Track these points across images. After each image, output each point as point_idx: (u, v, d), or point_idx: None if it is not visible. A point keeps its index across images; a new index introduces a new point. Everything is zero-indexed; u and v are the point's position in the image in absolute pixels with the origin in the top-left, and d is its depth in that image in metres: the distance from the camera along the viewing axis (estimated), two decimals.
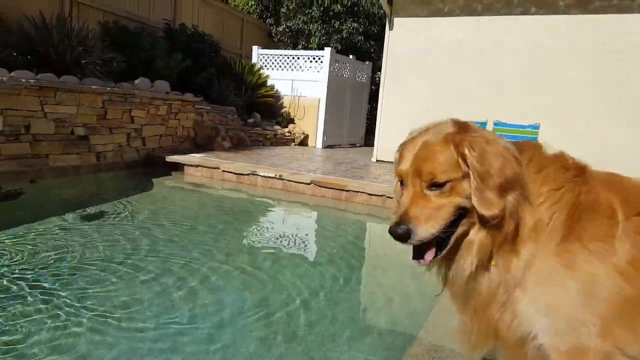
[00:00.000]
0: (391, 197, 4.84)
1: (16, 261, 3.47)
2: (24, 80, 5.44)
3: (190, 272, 3.51)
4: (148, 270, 3.47)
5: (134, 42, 8.20)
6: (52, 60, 6.42)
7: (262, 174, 6.72)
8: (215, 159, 7.50)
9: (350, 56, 12.39)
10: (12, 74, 5.45)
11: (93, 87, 6.36)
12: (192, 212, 5.50)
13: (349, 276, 3.83)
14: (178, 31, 9.63)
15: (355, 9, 13.37)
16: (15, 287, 3.04)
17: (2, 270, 3.27)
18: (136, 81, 7.77)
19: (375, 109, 9.99)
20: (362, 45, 13.50)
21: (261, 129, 10.62)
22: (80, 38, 6.73)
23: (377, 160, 9.28)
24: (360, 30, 13.36)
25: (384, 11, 9.03)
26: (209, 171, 7.13)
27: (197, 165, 7.22)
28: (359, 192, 6.13)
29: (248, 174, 6.84)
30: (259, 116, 11.14)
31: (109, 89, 6.60)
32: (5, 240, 3.88)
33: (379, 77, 10.34)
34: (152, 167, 7.54)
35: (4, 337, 2.44)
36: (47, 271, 3.33)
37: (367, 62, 13.22)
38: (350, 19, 13.27)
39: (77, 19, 7.54)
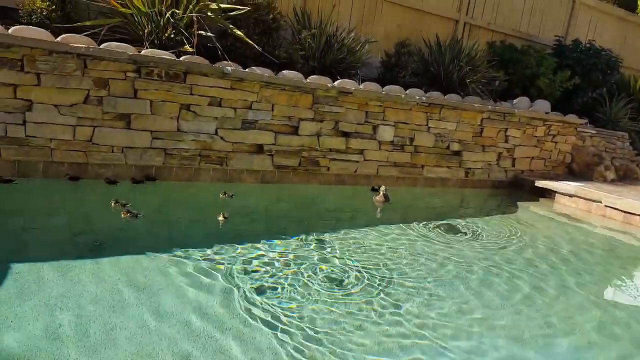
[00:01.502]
0: None
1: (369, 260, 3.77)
2: (417, 97, 6.03)
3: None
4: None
5: (518, 59, 7.93)
6: (440, 80, 6.91)
7: None
8: (596, 190, 6.33)
9: None
10: (407, 91, 6.13)
11: (475, 105, 6.47)
12: (562, 248, 4.74)
13: None
14: (569, 47, 8.73)
15: None
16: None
17: (352, 263, 3.62)
18: (515, 100, 7.47)
19: None
20: None
21: None
22: (468, 58, 6.98)
23: None
24: None
25: None
26: (586, 204, 6.08)
27: (571, 195, 6.29)
28: None
29: None
30: None
31: (489, 107, 6.59)
32: (370, 239, 4.34)
33: None
34: (517, 189, 7.09)
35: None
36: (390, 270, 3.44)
37: None
38: None
39: (467, 40, 7.91)
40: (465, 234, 4.80)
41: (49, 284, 2.86)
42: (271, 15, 5.46)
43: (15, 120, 4.14)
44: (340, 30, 6.23)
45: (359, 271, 3.61)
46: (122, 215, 3.81)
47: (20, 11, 4.55)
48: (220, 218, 4.09)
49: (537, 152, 7.34)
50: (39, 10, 4.58)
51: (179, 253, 3.44)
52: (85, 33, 4.48)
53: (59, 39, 4.17)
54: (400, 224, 4.85)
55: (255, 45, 5.14)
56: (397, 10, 7.73)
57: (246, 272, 3.35)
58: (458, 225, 5.06)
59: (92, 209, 4.04)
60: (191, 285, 3.05)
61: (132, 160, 4.70)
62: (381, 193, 5.50)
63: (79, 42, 4.22)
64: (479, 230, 4.94)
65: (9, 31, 3.99)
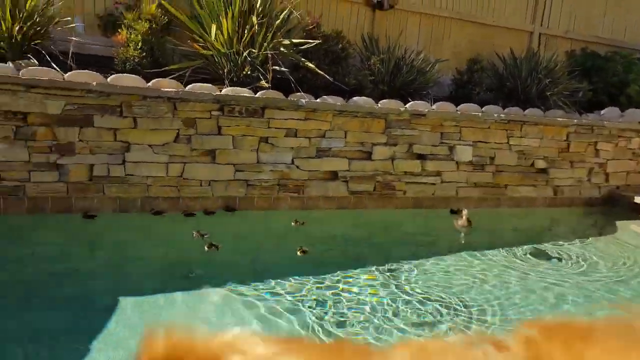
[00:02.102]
0: None
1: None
2: (495, 115, 5.83)
3: None
4: None
5: (602, 67, 7.42)
6: (517, 94, 6.64)
7: None
8: None
9: None
10: (483, 108, 5.95)
11: (559, 119, 6.14)
12: None
13: None
14: None
15: None
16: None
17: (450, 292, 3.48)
18: (602, 111, 6.97)
19: None
20: None
21: None
22: (547, 70, 6.66)
23: None
24: None
25: None
26: None
27: None
28: None
29: None
30: None
31: (575, 121, 6.21)
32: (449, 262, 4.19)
33: None
34: (612, 206, 6.54)
35: None
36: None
37: None
38: None
39: (543, 51, 7.56)
40: (561, 259, 4.49)
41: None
42: (340, 45, 5.61)
43: (116, 161, 4.57)
44: (409, 52, 6.23)
45: (447, 307, 3.49)
46: (206, 248, 4.02)
47: (115, 59, 5.05)
48: (299, 253, 4.15)
49: (633, 166, 6.74)
50: (131, 58, 5.05)
51: (253, 288, 3.54)
52: (172, 76, 4.88)
53: (150, 84, 4.58)
54: (486, 250, 4.66)
55: (325, 75, 5.29)
56: (467, 27, 7.60)
57: (322, 306, 3.38)
58: (549, 250, 4.75)
59: (178, 241, 4.30)
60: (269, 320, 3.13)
61: (217, 192, 4.98)
62: (464, 217, 5.32)
63: (168, 86, 4.60)
64: (578, 257, 4.60)
65: (108, 80, 4.45)
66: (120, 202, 4.70)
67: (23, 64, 4.46)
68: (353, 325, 3.17)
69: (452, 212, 5.83)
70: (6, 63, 4.38)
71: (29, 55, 4.62)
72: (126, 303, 3.18)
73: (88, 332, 2.88)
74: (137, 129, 4.55)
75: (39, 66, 4.44)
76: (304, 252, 4.16)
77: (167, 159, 4.71)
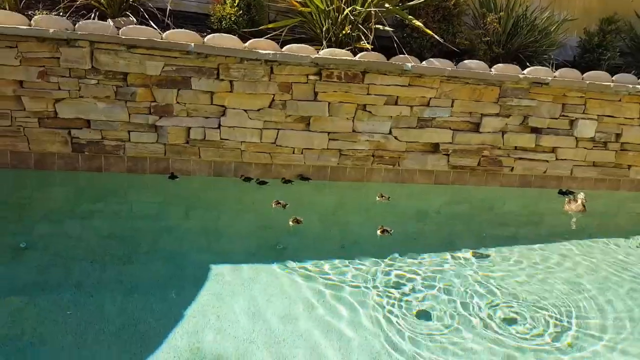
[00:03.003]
0: None
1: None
2: (630, 85, 4.97)
3: None
4: None
5: None
6: None
7: None
8: None
9: None
10: (614, 77, 5.10)
11: None
12: None
13: None
14: None
15: None
16: None
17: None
18: None
19: None
20: None
21: None
22: None
23: None
24: None
25: None
26: None
27: None
28: None
29: None
30: None
31: None
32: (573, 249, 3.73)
33: None
34: None
35: None
36: None
37: None
38: None
39: None
40: None
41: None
42: (452, 0, 4.95)
43: (212, 125, 4.45)
44: (530, 10, 5.40)
45: (542, 309, 3.10)
46: (290, 223, 3.86)
47: (211, 17, 4.82)
48: (379, 233, 3.87)
49: None
50: (227, 16, 4.79)
51: (331, 267, 3.36)
52: (267, 36, 4.58)
53: (247, 44, 4.31)
54: (603, 239, 4.14)
55: (434, 34, 4.71)
56: None
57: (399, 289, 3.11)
58: None
59: (267, 208, 4.18)
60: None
61: (310, 160, 4.75)
62: (579, 201, 4.72)
63: (266, 47, 4.31)
64: None
65: (205, 40, 4.24)
66: (214, 165, 4.64)
67: (122, 22, 4.37)
68: (428, 317, 2.89)
69: (562, 193, 5.21)
70: (106, 20, 4.31)
71: (127, 12, 4.51)
72: (216, 270, 3.14)
73: (178, 288, 2.94)
74: (234, 92, 4.36)
75: (136, 24, 4.32)
76: (385, 231, 3.86)
77: (261, 124, 4.52)
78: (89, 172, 4.44)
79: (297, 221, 3.87)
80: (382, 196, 4.51)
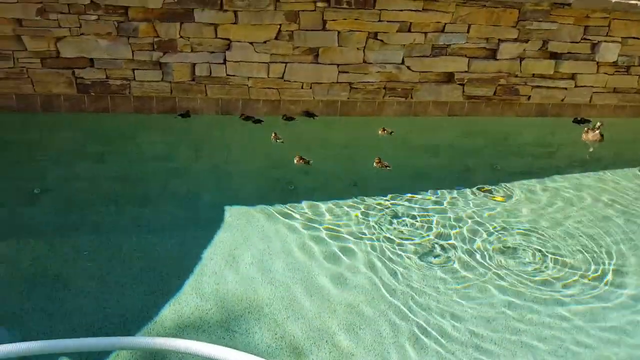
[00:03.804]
0: None
1: None
2: None
3: None
4: None
5: None
6: None
7: None
8: None
9: None
10: None
11: None
12: None
13: None
14: None
15: None
16: None
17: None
18: None
19: None
20: None
21: None
22: None
23: None
24: None
25: None
26: None
27: None
28: None
29: None
30: None
31: None
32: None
33: None
34: None
35: None
36: None
37: None
38: None
39: None
40: None
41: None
42: None
43: (217, 60, 4.30)
44: None
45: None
46: (295, 161, 3.82)
47: None
48: (376, 164, 3.84)
49: None
50: None
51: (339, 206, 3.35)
52: None
53: None
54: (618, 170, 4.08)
55: None
56: None
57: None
58: None
59: (273, 146, 4.13)
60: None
61: (318, 95, 4.62)
62: (597, 131, 4.58)
63: None
64: None
65: None
66: (222, 103, 4.54)
67: None
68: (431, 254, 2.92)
69: (576, 122, 5.05)
70: None
71: None
72: (228, 212, 3.15)
73: (194, 229, 2.98)
74: (238, 24, 4.16)
75: None
76: (381, 163, 3.83)
77: (268, 58, 4.35)
78: (96, 114, 4.38)
79: (303, 160, 3.81)
80: (384, 130, 4.41)
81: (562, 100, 5.06)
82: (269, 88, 4.51)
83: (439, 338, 2.32)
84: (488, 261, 2.89)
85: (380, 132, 4.39)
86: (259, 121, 4.49)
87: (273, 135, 4.13)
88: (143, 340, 2.07)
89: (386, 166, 3.85)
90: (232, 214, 3.18)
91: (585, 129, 4.75)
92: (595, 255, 3.00)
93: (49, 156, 3.75)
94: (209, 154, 4.02)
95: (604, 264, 2.93)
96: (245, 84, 4.45)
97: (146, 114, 4.46)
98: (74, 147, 3.95)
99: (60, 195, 3.28)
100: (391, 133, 4.39)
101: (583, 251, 3.03)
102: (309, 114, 4.65)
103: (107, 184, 3.44)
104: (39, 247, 2.76)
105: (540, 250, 3.01)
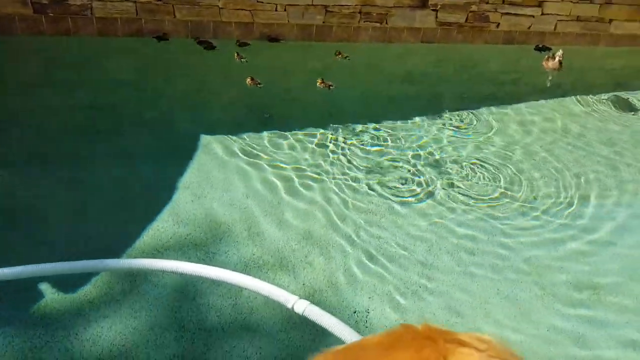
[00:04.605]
0: None
1: None
2: None
3: None
4: None
5: None
6: None
7: None
8: None
9: None
10: None
11: None
12: None
13: None
14: None
15: None
16: None
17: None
18: None
19: None
20: None
21: None
22: None
23: None
24: None
25: None
26: None
27: None
28: None
29: None
30: None
31: None
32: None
33: None
34: None
35: None
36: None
37: None
38: None
39: None
40: None
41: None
42: None
43: None
44: None
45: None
46: (248, 82, 3.83)
47: None
48: (319, 84, 3.92)
49: None
50: None
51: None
52: None
53: None
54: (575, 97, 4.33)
55: None
56: None
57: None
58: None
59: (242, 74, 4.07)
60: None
61: (293, 19, 4.51)
62: (557, 59, 4.76)
63: None
64: None
65: None
66: (191, 26, 4.34)
67: None
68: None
69: (538, 49, 5.22)
70: None
71: None
72: (204, 141, 3.18)
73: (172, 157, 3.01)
74: None
75: None
76: (325, 84, 3.92)
77: None
78: (57, 37, 4.10)
79: (254, 81, 3.81)
80: (339, 54, 4.40)
81: (529, 28, 5.19)
82: (241, 9, 4.35)
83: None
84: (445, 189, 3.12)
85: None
86: (211, 47, 4.29)
87: (236, 55, 4.10)
88: (127, 262, 2.19)
89: (329, 86, 3.91)
90: (207, 142, 3.18)
91: (546, 56, 4.92)
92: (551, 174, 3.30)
93: (13, 84, 3.53)
94: (179, 78, 3.90)
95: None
96: (216, 5, 4.26)
97: (111, 37, 4.21)
98: (39, 73, 3.73)
99: (29, 126, 3.14)
100: (346, 58, 4.37)
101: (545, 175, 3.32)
102: (272, 39, 4.52)
103: (77, 113, 3.31)
104: (10, 179, 2.70)
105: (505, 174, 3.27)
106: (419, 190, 3.01)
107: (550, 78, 4.78)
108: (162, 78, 3.90)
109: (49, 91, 3.52)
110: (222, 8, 4.29)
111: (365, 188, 2.95)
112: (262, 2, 4.34)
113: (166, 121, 3.37)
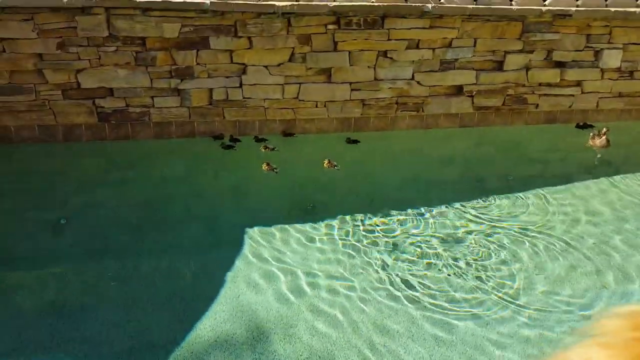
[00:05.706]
0: None
1: None
2: None
3: None
4: None
5: None
6: None
7: None
8: None
9: None
10: (638, 1, 4.91)
11: None
12: None
13: None
14: None
15: None
16: None
17: None
18: None
19: None
20: None
21: None
22: None
23: None
24: None
25: None
26: None
27: None
28: None
29: None
30: None
31: None
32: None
33: None
34: None
35: None
36: None
37: None
38: None
39: None
40: None
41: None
42: None
43: (233, 84, 4.43)
44: None
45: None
46: (264, 168, 3.97)
47: None
48: (326, 165, 3.99)
49: None
50: None
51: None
52: None
53: None
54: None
55: None
56: None
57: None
58: None
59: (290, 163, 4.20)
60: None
61: (333, 113, 4.74)
62: (603, 136, 4.65)
63: None
64: None
65: None
66: (239, 125, 4.65)
67: None
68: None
69: (579, 127, 5.13)
70: None
71: None
72: (250, 233, 3.22)
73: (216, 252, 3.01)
74: (253, 49, 4.31)
75: None
76: (331, 164, 4.00)
77: (283, 80, 4.49)
78: (117, 141, 4.48)
79: (269, 166, 3.95)
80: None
81: (570, 107, 5.18)
82: (284, 108, 4.64)
83: None
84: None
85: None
86: (230, 146, 4.42)
87: (263, 148, 4.30)
88: None
89: (334, 166, 3.96)
90: (253, 234, 3.23)
91: (591, 134, 4.81)
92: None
93: (73, 185, 3.82)
94: (228, 175, 4.09)
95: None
96: (261, 105, 4.57)
97: (165, 139, 4.56)
98: (96, 174, 4.03)
99: (84, 223, 3.33)
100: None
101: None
102: (287, 134, 4.67)
103: (129, 209, 3.50)
104: (64, 276, 2.81)
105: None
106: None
107: (598, 156, 4.64)
108: (210, 173, 4.11)
109: (105, 189, 3.77)
110: (267, 108, 4.60)
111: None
112: (304, 101, 4.62)
113: (212, 216, 3.48)
